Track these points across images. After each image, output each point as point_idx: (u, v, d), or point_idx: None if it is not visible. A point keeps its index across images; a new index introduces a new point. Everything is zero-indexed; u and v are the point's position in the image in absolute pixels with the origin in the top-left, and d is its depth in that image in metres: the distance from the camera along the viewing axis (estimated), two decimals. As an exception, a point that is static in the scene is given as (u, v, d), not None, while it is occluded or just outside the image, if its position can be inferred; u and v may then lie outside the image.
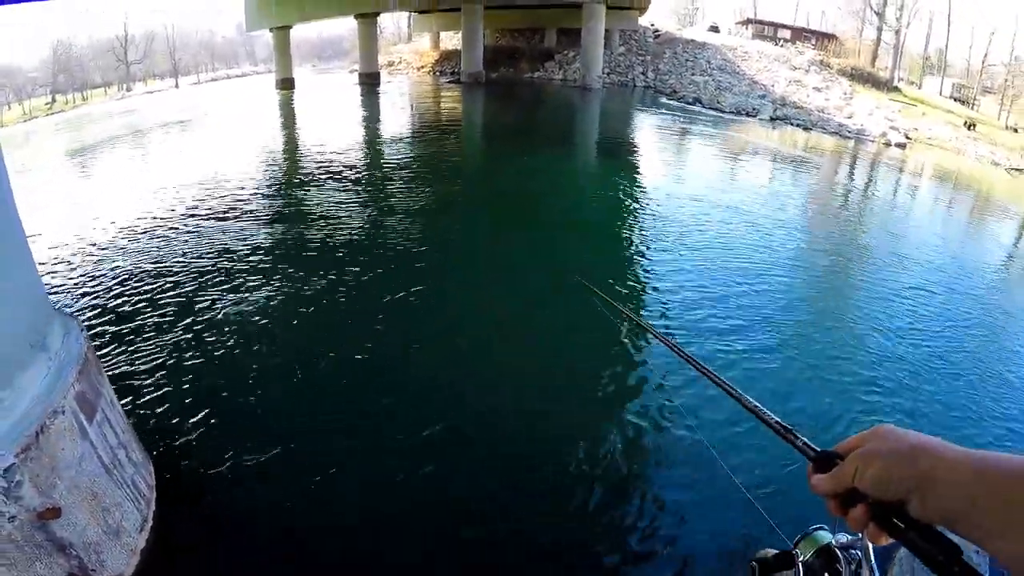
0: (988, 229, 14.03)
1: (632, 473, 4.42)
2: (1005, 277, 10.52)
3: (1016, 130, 39.02)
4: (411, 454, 4.42)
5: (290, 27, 39.08)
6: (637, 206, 11.76)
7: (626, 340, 6.34)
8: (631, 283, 7.97)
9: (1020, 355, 7.08)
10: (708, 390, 4.98)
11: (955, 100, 46.54)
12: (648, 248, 9.35)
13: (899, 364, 6.32)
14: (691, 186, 13.46)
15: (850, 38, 53.76)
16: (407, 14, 56.53)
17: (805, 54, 42.96)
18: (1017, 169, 24.26)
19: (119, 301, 6.93)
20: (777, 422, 0.84)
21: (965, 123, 33.66)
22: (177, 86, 66.08)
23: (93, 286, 7.43)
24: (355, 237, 9.23)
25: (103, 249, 8.82)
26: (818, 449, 0.78)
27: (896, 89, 43.28)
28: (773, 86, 34.06)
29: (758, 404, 0.89)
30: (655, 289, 7.78)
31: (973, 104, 47.06)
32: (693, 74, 35.88)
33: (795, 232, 10.75)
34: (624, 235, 10.12)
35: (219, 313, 6.57)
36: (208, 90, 51.28)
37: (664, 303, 7.35)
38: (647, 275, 8.27)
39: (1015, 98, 45.03)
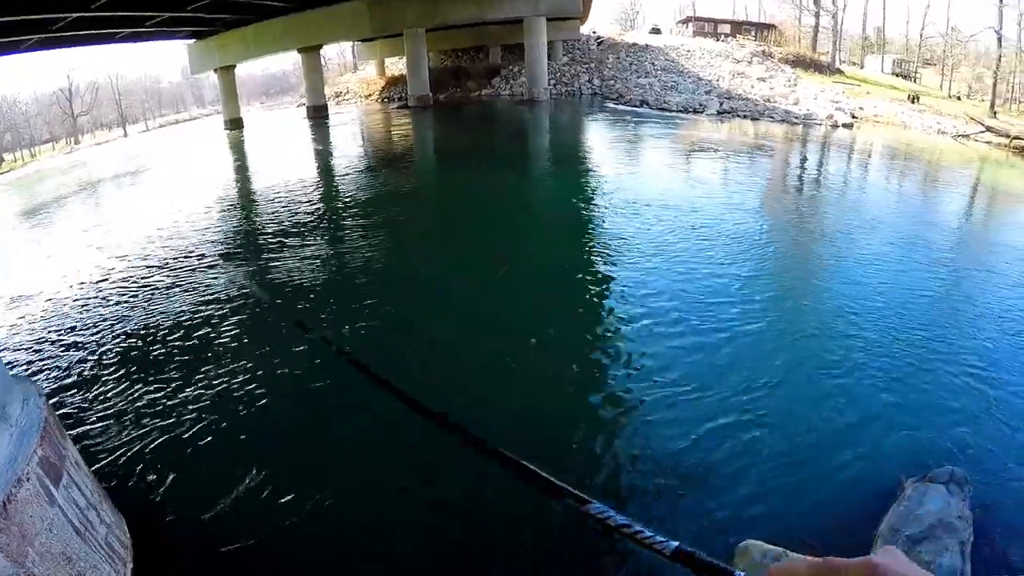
0: (943, 195, 14.44)
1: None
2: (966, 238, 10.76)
3: (959, 98, 40.34)
4: (399, 491, 4.40)
5: (234, 67, 38.88)
6: (591, 213, 11.85)
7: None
8: (597, 287, 8.02)
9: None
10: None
11: (897, 76, 47.99)
12: (613, 251, 9.40)
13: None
14: (645, 187, 13.53)
15: (789, 26, 55.15)
16: (351, 44, 56.59)
17: (746, 46, 44.03)
18: (963, 135, 25.03)
19: (77, 360, 6.77)
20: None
21: (909, 97, 34.65)
22: (126, 135, 65.46)
23: (50, 347, 7.25)
24: (317, 276, 9.17)
25: (58, 309, 8.62)
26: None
27: (839, 71, 44.49)
28: (718, 81, 34.76)
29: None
30: (622, 290, 7.83)
31: (915, 77, 48.54)
32: (639, 77, 36.47)
33: (752, 218, 10.90)
34: (584, 241, 10.19)
35: (182, 364, 6.46)
36: (157, 137, 50.76)
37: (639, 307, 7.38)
38: (614, 280, 8.32)
39: (955, 67, 46.56)
